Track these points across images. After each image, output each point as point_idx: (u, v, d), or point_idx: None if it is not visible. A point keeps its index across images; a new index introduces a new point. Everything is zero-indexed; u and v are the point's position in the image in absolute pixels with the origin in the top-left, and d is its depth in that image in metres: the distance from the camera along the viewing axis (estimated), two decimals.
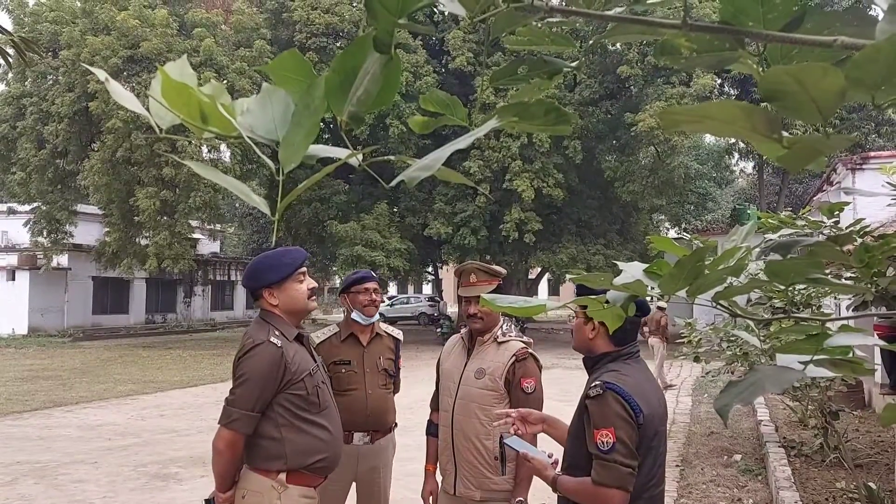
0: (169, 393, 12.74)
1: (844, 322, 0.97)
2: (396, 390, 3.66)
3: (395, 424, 3.63)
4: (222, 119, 0.76)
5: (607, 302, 1.13)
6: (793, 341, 0.96)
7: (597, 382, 2.15)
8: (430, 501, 3.27)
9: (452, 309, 35.42)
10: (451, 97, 0.80)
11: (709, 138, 38.24)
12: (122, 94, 0.79)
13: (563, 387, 12.37)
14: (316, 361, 2.80)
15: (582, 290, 2.09)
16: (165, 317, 32.49)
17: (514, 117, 0.77)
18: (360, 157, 0.73)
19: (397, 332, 3.70)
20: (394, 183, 0.71)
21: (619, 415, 2.09)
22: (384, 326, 3.68)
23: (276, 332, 2.66)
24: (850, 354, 0.94)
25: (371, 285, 3.54)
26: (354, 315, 3.54)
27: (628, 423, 2.10)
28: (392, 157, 0.82)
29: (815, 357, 0.93)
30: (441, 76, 23.03)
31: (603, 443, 2.08)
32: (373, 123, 21.81)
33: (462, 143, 0.72)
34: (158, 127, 0.81)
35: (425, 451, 3.34)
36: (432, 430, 3.31)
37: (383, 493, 3.51)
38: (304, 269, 2.77)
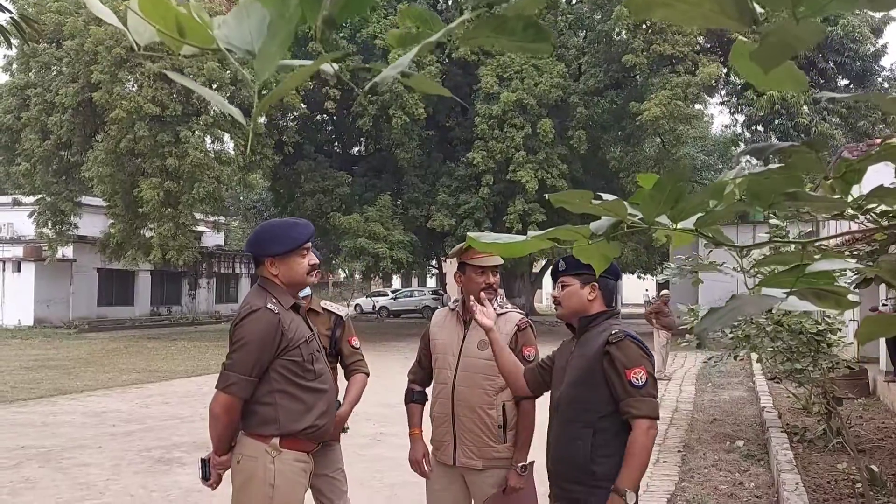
0: (173, 382, 12.79)
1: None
2: (348, 368, 3.58)
3: (338, 403, 3.50)
4: (199, 32, 0.76)
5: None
6: (775, 273, 0.96)
7: (614, 331, 2.46)
8: (424, 464, 3.28)
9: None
10: (430, 12, 0.79)
11: (715, 129, 38.04)
12: (99, 8, 0.79)
13: None
14: (312, 331, 2.82)
15: (575, 264, 2.51)
16: (170, 309, 32.58)
17: (491, 32, 0.75)
18: (335, 66, 0.72)
19: (340, 310, 3.66)
20: (367, 87, 0.70)
21: (641, 356, 2.43)
22: (326, 304, 3.65)
23: (274, 300, 2.68)
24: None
25: None
26: None
27: (650, 362, 2.45)
28: (368, 66, 0.81)
29: (798, 288, 0.92)
30: (444, 65, 22.98)
31: (637, 379, 2.38)
32: (376, 114, 21.78)
33: (435, 38, 0.71)
34: (137, 44, 0.81)
35: (407, 419, 3.34)
36: (414, 397, 3.34)
37: (331, 465, 3.44)
38: (309, 244, 2.78)
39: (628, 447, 2.36)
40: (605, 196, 0.98)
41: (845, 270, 4.33)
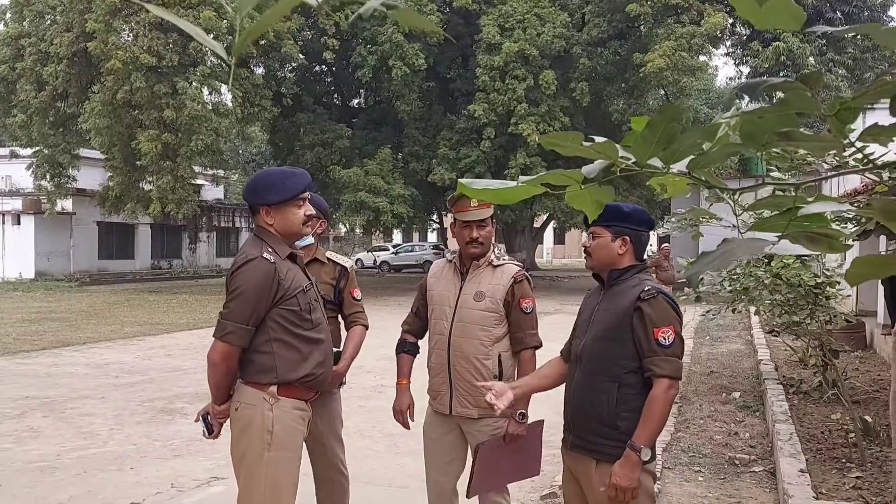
0: (175, 335, 12.88)
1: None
2: (348, 319, 3.57)
3: (338, 353, 3.51)
4: None
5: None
6: (768, 217, 0.93)
7: (647, 288, 2.44)
8: (407, 415, 3.32)
9: None
10: None
11: (720, 81, 37.56)
12: None
13: (566, 331, 12.41)
14: (309, 280, 2.81)
15: (608, 215, 2.44)
16: (171, 263, 32.67)
17: None
18: None
19: (345, 261, 3.64)
20: (352, 18, 0.66)
21: (672, 315, 2.42)
22: (331, 254, 3.63)
23: (269, 249, 2.67)
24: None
25: None
26: None
27: (679, 322, 2.44)
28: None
29: (791, 231, 0.90)
30: (445, 14, 22.54)
31: (665, 339, 2.38)
32: (375, 65, 21.45)
33: None
34: None
35: (396, 369, 3.36)
36: (406, 348, 3.35)
37: (329, 414, 3.45)
38: (305, 194, 2.75)
39: (647, 404, 2.38)
40: (597, 138, 0.95)
41: (846, 223, 4.29)
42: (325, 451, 3.44)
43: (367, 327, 3.64)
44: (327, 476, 3.46)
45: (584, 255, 2.69)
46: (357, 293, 3.62)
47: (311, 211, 2.85)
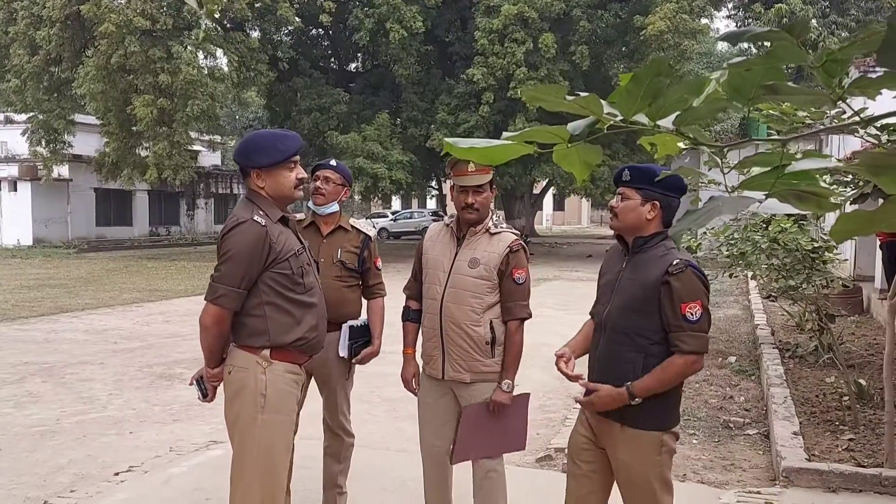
0: (174, 301, 12.90)
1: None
2: (370, 289, 3.60)
3: (364, 323, 3.58)
4: None
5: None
6: (756, 175, 0.90)
7: (677, 260, 2.38)
8: (414, 383, 3.34)
9: None
10: None
11: (721, 45, 37.06)
12: None
13: (564, 298, 12.54)
14: (302, 244, 2.79)
15: (640, 177, 2.42)
16: (169, 229, 32.63)
17: None
18: None
19: (369, 230, 3.63)
20: None
21: (700, 289, 2.39)
22: (355, 222, 3.62)
23: (261, 212, 2.64)
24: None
25: (323, 173, 3.48)
26: (309, 203, 3.53)
27: (707, 296, 2.41)
28: None
29: (778, 189, 0.87)
30: None
31: (692, 314, 2.35)
32: (373, 28, 21.15)
33: None
34: None
35: (403, 336, 3.36)
36: (410, 315, 3.34)
37: (338, 387, 3.53)
38: (296, 157, 2.72)
39: (665, 365, 2.38)
40: (582, 94, 0.92)
41: (845, 190, 4.25)
42: (336, 407, 3.54)
43: (385, 295, 3.68)
44: (335, 431, 3.59)
45: (609, 215, 2.61)
46: (379, 262, 3.65)
47: (303, 174, 2.82)
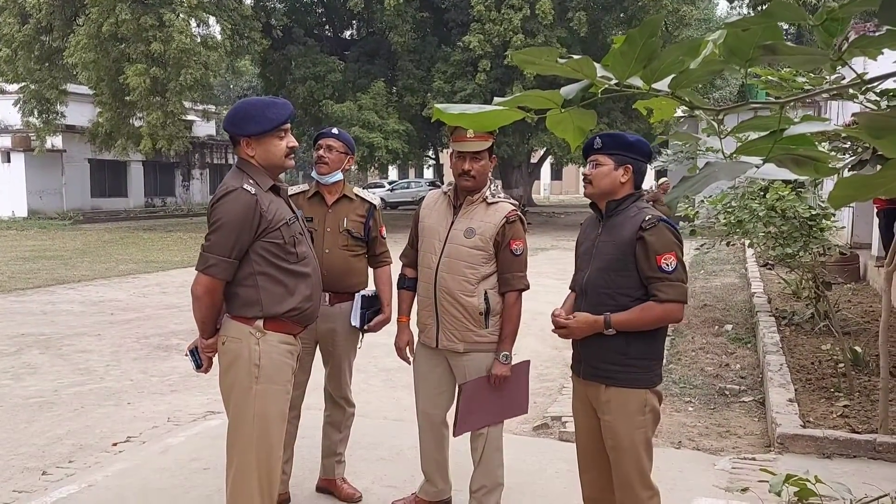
0: (170, 272, 12.88)
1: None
2: (376, 258, 3.59)
3: (373, 293, 3.57)
4: None
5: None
6: (752, 140, 0.87)
7: (649, 216, 2.48)
8: (407, 351, 3.33)
9: None
10: None
11: (720, 11, 36.63)
12: None
13: (561, 266, 12.52)
14: (294, 213, 2.75)
15: (611, 143, 2.53)
16: (164, 200, 32.51)
17: None
18: None
19: (373, 198, 3.60)
20: None
21: (674, 242, 2.47)
22: (360, 191, 3.59)
23: (251, 181, 2.60)
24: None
25: (325, 142, 3.44)
26: (312, 172, 3.51)
27: (680, 248, 2.50)
28: None
29: (775, 154, 0.84)
30: None
31: (668, 265, 2.44)
32: None
33: None
34: None
35: (398, 304, 3.35)
36: (406, 283, 3.32)
37: (343, 357, 3.53)
38: (286, 125, 2.66)
39: (645, 306, 2.46)
40: (574, 56, 0.88)
41: (843, 157, 4.20)
42: (339, 377, 3.54)
43: (391, 263, 3.67)
44: (337, 401, 3.60)
45: (583, 182, 2.68)
46: (384, 231, 3.64)
47: (294, 143, 2.78)
